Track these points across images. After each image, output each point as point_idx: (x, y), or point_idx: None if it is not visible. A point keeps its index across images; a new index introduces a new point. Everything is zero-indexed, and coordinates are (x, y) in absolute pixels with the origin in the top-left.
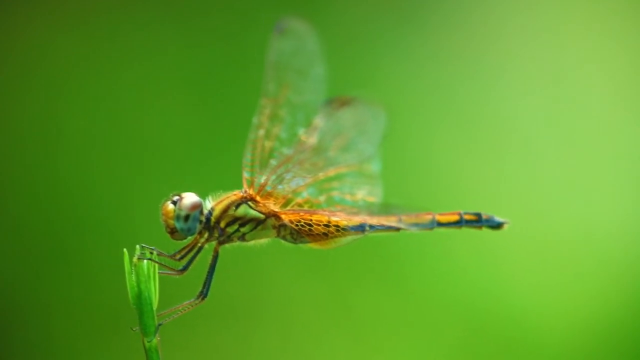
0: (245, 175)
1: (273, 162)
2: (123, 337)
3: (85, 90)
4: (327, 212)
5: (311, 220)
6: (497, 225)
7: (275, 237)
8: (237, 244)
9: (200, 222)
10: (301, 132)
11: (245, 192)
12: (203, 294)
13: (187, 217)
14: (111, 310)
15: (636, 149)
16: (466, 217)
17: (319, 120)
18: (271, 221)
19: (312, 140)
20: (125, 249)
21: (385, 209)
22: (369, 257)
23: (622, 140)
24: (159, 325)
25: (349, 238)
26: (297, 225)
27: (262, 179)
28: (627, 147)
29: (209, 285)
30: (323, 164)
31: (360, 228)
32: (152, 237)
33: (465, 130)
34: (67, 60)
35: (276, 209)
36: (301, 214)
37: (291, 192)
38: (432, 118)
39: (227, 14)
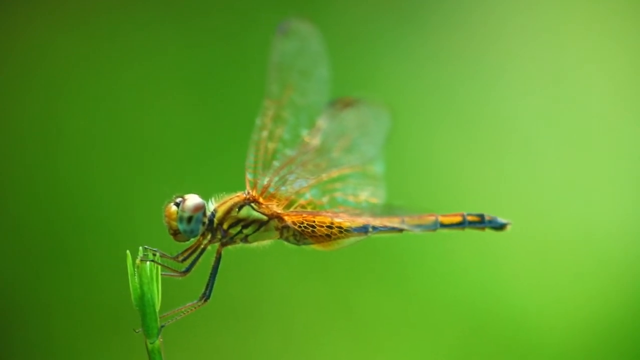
0: (248, 176)
1: (276, 163)
2: (123, 337)
3: (85, 90)
4: (330, 214)
5: (314, 221)
6: (500, 227)
7: (278, 238)
8: (239, 245)
9: (203, 223)
10: (304, 133)
11: (248, 193)
12: (206, 296)
13: (190, 219)
14: (111, 311)
15: (636, 149)
16: (469, 218)
17: (322, 122)
18: (274, 223)
19: (315, 141)
20: (128, 251)
21: (388, 210)
22: (369, 258)
23: (622, 140)
24: (162, 326)
25: (352, 239)
26: (300, 226)
27: (265, 181)
28: (627, 147)
29: (211, 287)
30: (326, 165)
31: (363, 229)
32: (152, 237)
33: (465, 130)
34: (67, 60)
35: (279, 210)
36: (304, 215)
37: (294, 193)
38: (432, 118)
39: (227, 14)
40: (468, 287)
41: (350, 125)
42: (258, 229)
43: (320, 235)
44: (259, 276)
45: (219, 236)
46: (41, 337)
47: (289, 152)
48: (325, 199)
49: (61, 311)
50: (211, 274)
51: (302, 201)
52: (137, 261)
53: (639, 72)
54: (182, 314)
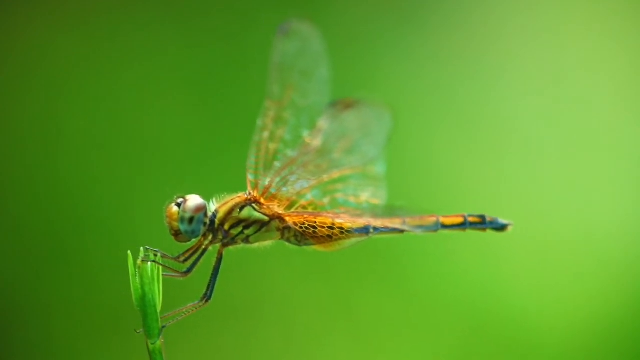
0: (250, 177)
1: (277, 164)
2: (123, 337)
3: (85, 90)
4: (331, 214)
5: (315, 222)
6: (502, 227)
7: (280, 239)
8: (241, 246)
9: (205, 224)
10: (305, 134)
11: (250, 194)
12: (207, 297)
13: (191, 220)
14: (111, 311)
15: (636, 149)
16: (470, 219)
17: (323, 123)
18: (275, 223)
19: (317, 142)
20: (129, 251)
21: (389, 211)
22: (370, 258)
23: (622, 140)
24: (163, 327)
25: (353, 240)
26: (301, 227)
27: (266, 181)
28: (627, 147)
29: (212, 287)
30: (327, 166)
31: (365, 230)
32: (152, 237)
33: (465, 130)
34: (67, 60)
35: (280, 211)
36: (305, 216)
37: (295, 194)
38: (432, 118)
39: (227, 14)
40: (468, 287)
41: (352, 126)
42: (259, 230)
43: (321, 236)
44: (260, 277)
45: (220, 237)
46: (41, 337)
47: (290, 152)
48: (326, 200)
49: (61, 311)
50: (212, 274)
51: (303, 202)
52: (139, 262)
53: (639, 72)
54: (183, 314)
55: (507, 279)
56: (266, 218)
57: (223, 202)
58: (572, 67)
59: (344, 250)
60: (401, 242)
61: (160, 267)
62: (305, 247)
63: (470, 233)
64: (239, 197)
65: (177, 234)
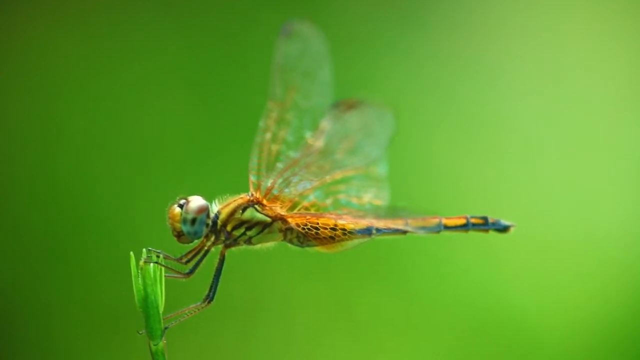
0: (252, 178)
1: (280, 165)
2: (123, 337)
3: (85, 90)
4: (333, 216)
5: (318, 223)
6: (504, 229)
7: (282, 240)
8: (243, 247)
9: (207, 225)
10: (308, 135)
11: (252, 195)
12: (209, 298)
13: (193, 221)
14: (111, 311)
15: (636, 149)
16: (473, 220)
17: (325, 123)
18: (278, 224)
19: (319, 143)
20: (131, 253)
21: (391, 212)
22: (370, 259)
23: (622, 140)
24: (165, 328)
25: (356, 241)
26: (303, 228)
27: (269, 183)
28: (627, 147)
29: (215, 288)
30: (330, 167)
31: (367, 231)
32: (152, 237)
33: (465, 130)
34: (67, 60)
35: (283, 212)
36: (308, 217)
37: (298, 195)
38: (432, 118)
39: (227, 14)
40: (468, 287)
41: (354, 127)
42: (262, 231)
43: (323, 237)
44: (260, 277)
45: (223, 238)
46: (41, 337)
47: (292, 154)
48: (328, 201)
49: (61, 311)
50: (215, 275)
51: (305, 203)
52: (141, 263)
53: (639, 72)
54: (185, 315)
55: (507, 279)
56: (268, 219)
57: (225, 203)
58: (572, 67)
59: (345, 251)
60: (401, 243)
61: (163, 268)
62: (307, 248)
63: (471, 233)
64: (242, 198)
65: (179, 235)
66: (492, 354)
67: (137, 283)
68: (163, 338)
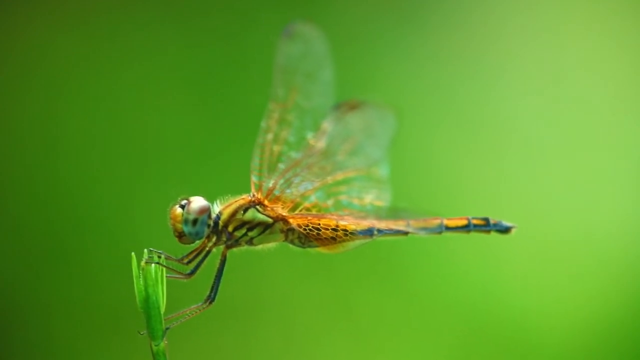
0: (254, 179)
1: (281, 166)
2: (123, 337)
3: (85, 90)
4: (335, 216)
5: (319, 224)
6: (505, 230)
7: (283, 241)
8: (244, 248)
9: (208, 226)
10: (309, 136)
11: (254, 196)
12: (210, 298)
13: (195, 221)
14: (111, 311)
15: (636, 149)
16: (474, 221)
17: (327, 124)
18: (279, 225)
19: (321, 144)
20: (133, 253)
21: (393, 213)
22: (370, 259)
23: (622, 140)
24: (167, 329)
25: (357, 242)
26: (305, 229)
27: (270, 183)
28: (627, 147)
29: (216, 289)
30: (331, 168)
31: (369, 232)
32: (152, 237)
33: (465, 130)
34: (67, 60)
35: (284, 213)
36: (309, 218)
37: (299, 196)
38: (432, 118)
39: (227, 14)
40: (468, 287)
41: (356, 128)
42: (263, 232)
43: (325, 238)
44: (261, 277)
45: (224, 239)
46: (41, 337)
47: (294, 154)
48: (330, 202)
49: (61, 311)
50: (216, 276)
51: (307, 204)
52: (142, 263)
53: (639, 72)
54: (187, 316)
55: (507, 279)
56: (270, 220)
57: (227, 203)
58: (572, 67)
59: (346, 252)
60: (402, 243)
61: (164, 269)
62: (308, 249)
63: (471, 234)
64: (243, 198)
65: (180, 235)
66: (492, 354)
67: (138, 284)
68: (164, 338)
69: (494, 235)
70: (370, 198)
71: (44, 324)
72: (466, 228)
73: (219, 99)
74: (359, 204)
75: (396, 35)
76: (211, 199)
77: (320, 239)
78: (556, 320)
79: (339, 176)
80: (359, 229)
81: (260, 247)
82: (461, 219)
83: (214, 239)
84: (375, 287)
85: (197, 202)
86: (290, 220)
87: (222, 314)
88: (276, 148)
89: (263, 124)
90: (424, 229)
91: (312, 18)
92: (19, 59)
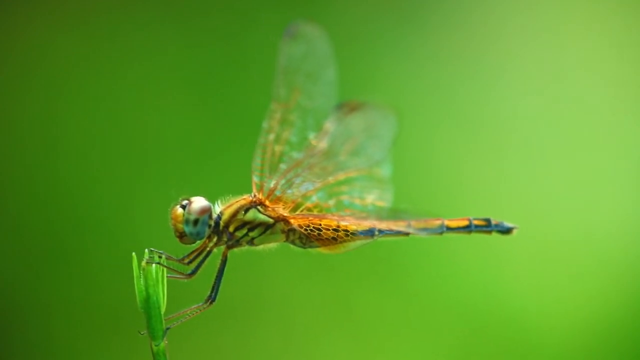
0: (255, 179)
1: (283, 166)
2: (123, 337)
3: (85, 90)
4: (336, 217)
5: (320, 224)
6: (507, 231)
7: (284, 241)
8: (245, 248)
9: (209, 226)
10: (311, 136)
11: (255, 196)
12: (211, 298)
13: (196, 221)
14: (111, 311)
15: (636, 149)
16: (475, 222)
17: (329, 125)
18: (280, 225)
19: (322, 144)
20: (133, 253)
21: (394, 213)
22: (370, 258)
23: (622, 140)
24: (167, 329)
25: (358, 243)
26: (306, 229)
27: (272, 183)
28: (628, 147)
29: (217, 289)
30: (333, 168)
31: (370, 233)
32: (152, 237)
33: (465, 130)
34: (67, 60)
35: (285, 213)
36: (310, 218)
37: (300, 196)
38: (432, 118)
39: (227, 14)
40: (468, 287)
41: (357, 128)
42: (264, 232)
43: (326, 239)
44: (262, 277)
45: (225, 239)
46: (41, 337)
47: (295, 155)
48: (331, 202)
49: (61, 311)
50: (217, 276)
51: (308, 204)
52: (143, 263)
53: (639, 72)
54: (187, 316)
55: (507, 279)
56: (271, 220)
57: (228, 204)
58: (572, 67)
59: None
60: (402, 243)
61: (165, 269)
62: (309, 249)
63: (472, 235)
64: (244, 199)
65: (181, 235)
66: (492, 354)
67: (139, 284)
68: (164, 339)
69: (494, 235)
70: (371, 198)
71: (44, 324)
72: (467, 229)
73: (219, 99)
74: (361, 205)
75: (396, 35)
76: (212, 199)
77: (321, 239)
78: (556, 320)
79: (341, 176)
80: (360, 229)
81: (261, 247)
82: (462, 219)
83: (214, 239)
84: (375, 288)
85: (198, 202)
86: (292, 221)
87: (223, 314)
88: (278, 148)
89: (265, 124)
90: (425, 229)
91: (312, 18)
92: (19, 59)
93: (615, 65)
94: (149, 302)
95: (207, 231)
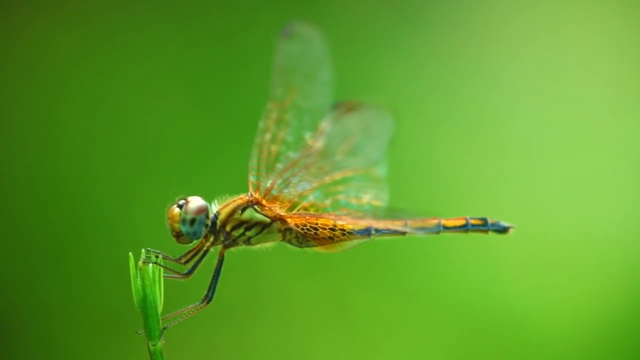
0: (252, 179)
1: (279, 166)
2: (123, 337)
3: (85, 90)
4: (333, 216)
5: (317, 224)
6: (503, 230)
7: (281, 240)
8: (242, 247)
9: (206, 225)
10: (307, 136)
11: (251, 195)
12: (208, 298)
13: (193, 221)
14: (111, 311)
15: (636, 149)
16: (472, 221)
17: (325, 125)
18: (277, 225)
19: (319, 144)
20: (130, 253)
21: (391, 213)
22: (368, 258)
23: (622, 140)
24: (164, 328)
25: (355, 242)
26: (302, 229)
27: (268, 183)
28: (628, 147)
29: (214, 289)
30: (329, 167)
31: (366, 232)
32: (152, 237)
33: (465, 130)
34: (67, 60)
35: (282, 212)
36: (307, 217)
37: (297, 195)
38: (432, 118)
39: (227, 14)
40: (467, 287)
41: (354, 128)
42: (261, 231)
43: (323, 238)
44: (258, 277)
45: (222, 238)
46: (41, 337)
47: (292, 154)
48: (328, 202)
49: (61, 311)
50: (213, 276)
51: (305, 204)
52: (140, 263)
53: (639, 72)
54: (184, 315)
55: (506, 279)
56: (268, 220)
57: (225, 203)
58: (572, 67)
59: (343, 251)
60: (400, 242)
61: (162, 269)
62: (306, 249)
63: (470, 234)
64: (241, 198)
65: (178, 235)
66: (491, 354)
67: (136, 283)
68: (161, 338)
69: (492, 235)
70: (368, 198)
71: (44, 324)
72: (464, 228)
73: (219, 99)
74: (357, 204)
75: (396, 35)
76: (211, 199)
77: (317, 238)
78: (556, 320)
79: (337, 176)
80: (356, 228)
81: (258, 246)
82: (459, 219)
83: (211, 239)
84: (373, 287)
85: (195, 201)
86: (288, 220)
87: (220, 314)
88: (274, 148)
89: (261, 124)
90: (422, 228)
91: (312, 18)
92: (19, 59)
93: (615, 65)
94: (146, 302)
95: (204, 231)
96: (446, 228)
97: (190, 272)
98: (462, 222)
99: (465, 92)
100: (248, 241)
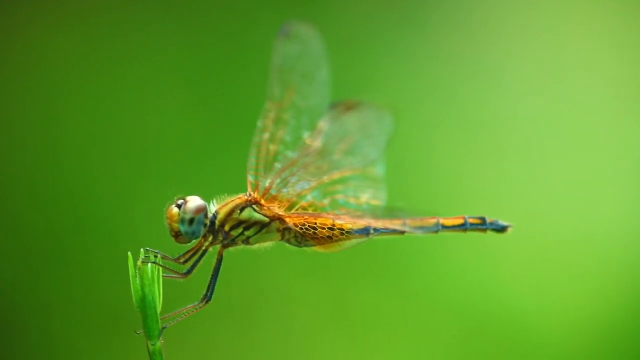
0: (250, 178)
1: (278, 165)
2: (123, 337)
3: (85, 90)
4: (331, 215)
5: (315, 223)
6: (502, 229)
7: (280, 240)
8: (241, 247)
9: (205, 225)
10: (306, 135)
11: (250, 195)
12: (207, 297)
13: (191, 221)
14: (111, 311)
15: (636, 149)
16: (470, 220)
17: (323, 124)
18: (275, 224)
19: (317, 143)
20: (129, 253)
21: (389, 212)
22: (367, 257)
23: (622, 140)
24: (163, 328)
25: (354, 241)
26: (301, 228)
27: (267, 183)
28: (627, 147)
29: (212, 288)
30: (328, 167)
31: (365, 231)
32: (152, 237)
33: (465, 130)
34: (67, 60)
35: (280, 212)
36: (305, 217)
37: (295, 195)
38: (432, 118)
39: (227, 14)
40: (467, 287)
41: (352, 127)
42: (259, 231)
43: (321, 237)
44: (257, 276)
45: (221, 238)
46: (41, 337)
47: (290, 154)
48: (326, 201)
49: (61, 311)
50: (212, 275)
51: (303, 203)
52: (139, 263)
53: (639, 72)
54: (183, 315)
55: (506, 279)
56: (266, 219)
57: (223, 203)
58: (572, 67)
59: (342, 251)
60: (399, 242)
61: (160, 268)
62: (304, 248)
63: (469, 233)
64: (239, 198)
65: (177, 235)
66: (491, 354)
67: (134, 283)
68: (160, 338)
69: (492, 234)
70: (366, 197)
71: (44, 324)
72: (462, 227)
73: (219, 99)
74: (355, 203)
75: (396, 35)
76: (209, 198)
77: (316, 238)
78: (556, 320)
79: (335, 175)
80: (355, 227)
81: (256, 246)
82: (457, 218)
83: (210, 238)
84: (372, 286)
85: (194, 201)
86: (287, 219)
87: (219, 313)
88: (272, 147)
89: (259, 123)
90: (421, 228)
91: (311, 18)
92: (19, 59)
93: (615, 65)
94: (144, 302)
95: (203, 230)
96: (445, 227)
97: (189, 271)
98: (461, 221)
99: (465, 92)
100: (247, 241)
